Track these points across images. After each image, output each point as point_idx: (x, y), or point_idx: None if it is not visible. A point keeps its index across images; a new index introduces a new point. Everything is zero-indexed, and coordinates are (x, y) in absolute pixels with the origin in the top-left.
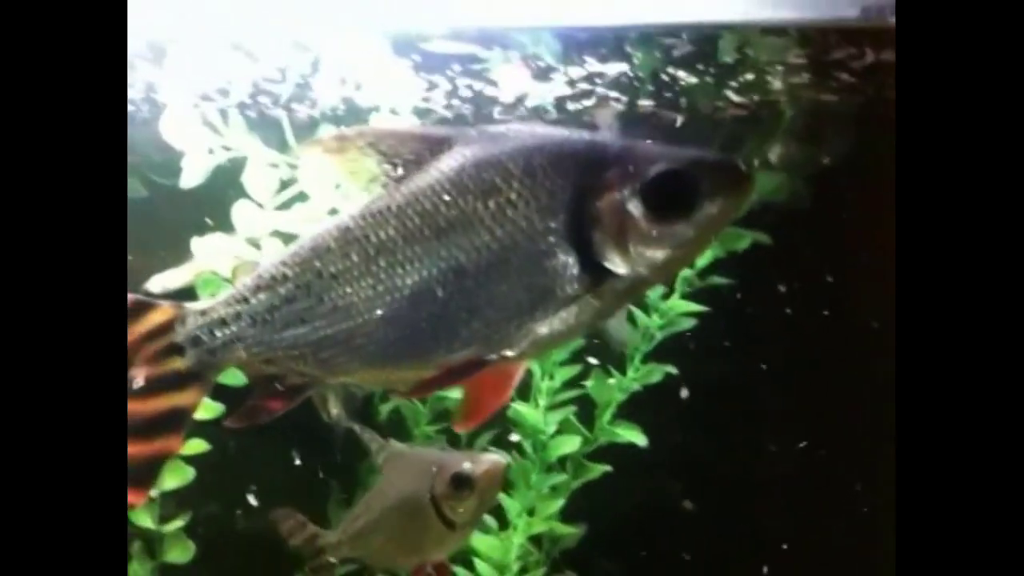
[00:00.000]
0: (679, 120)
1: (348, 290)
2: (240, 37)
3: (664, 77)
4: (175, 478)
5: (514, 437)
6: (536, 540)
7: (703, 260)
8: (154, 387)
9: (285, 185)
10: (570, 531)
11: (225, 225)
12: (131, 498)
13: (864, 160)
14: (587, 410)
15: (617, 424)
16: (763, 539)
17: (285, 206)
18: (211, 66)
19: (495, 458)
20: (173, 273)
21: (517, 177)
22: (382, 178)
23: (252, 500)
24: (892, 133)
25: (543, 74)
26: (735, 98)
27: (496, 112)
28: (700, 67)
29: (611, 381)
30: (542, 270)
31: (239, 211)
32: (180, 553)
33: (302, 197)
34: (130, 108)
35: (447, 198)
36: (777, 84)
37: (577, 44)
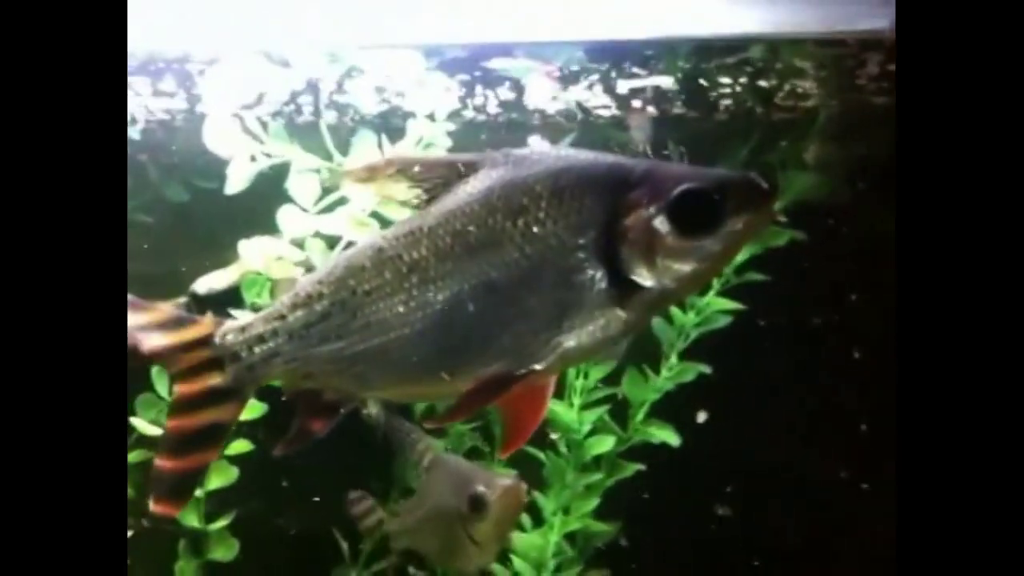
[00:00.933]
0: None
1: (382, 306)
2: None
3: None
4: (220, 478)
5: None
6: (570, 537)
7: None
8: (193, 402)
9: (327, 191)
10: (605, 528)
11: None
12: (168, 510)
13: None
14: (619, 408)
15: (650, 423)
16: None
17: (328, 209)
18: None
19: (511, 482)
20: (219, 274)
21: (545, 197)
22: (413, 200)
23: (291, 497)
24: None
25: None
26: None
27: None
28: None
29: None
30: (571, 285)
31: (284, 215)
32: (224, 551)
33: (343, 201)
34: (180, 118)
35: (478, 218)
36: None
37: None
